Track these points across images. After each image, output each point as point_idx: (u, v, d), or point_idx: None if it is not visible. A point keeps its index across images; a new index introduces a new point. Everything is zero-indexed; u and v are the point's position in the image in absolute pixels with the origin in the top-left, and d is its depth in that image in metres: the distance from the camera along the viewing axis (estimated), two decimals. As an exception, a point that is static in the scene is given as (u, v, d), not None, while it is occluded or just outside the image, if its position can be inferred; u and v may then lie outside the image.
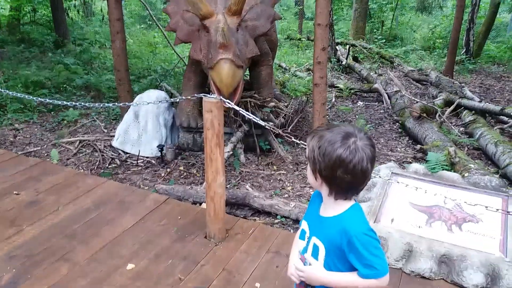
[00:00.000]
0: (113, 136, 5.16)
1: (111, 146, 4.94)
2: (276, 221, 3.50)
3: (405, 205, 2.49)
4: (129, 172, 4.44)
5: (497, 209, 2.25)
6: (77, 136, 5.30)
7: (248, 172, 4.48)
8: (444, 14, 13.58)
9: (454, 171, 3.99)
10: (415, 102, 6.05)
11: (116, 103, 3.55)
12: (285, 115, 5.15)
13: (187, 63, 5.04)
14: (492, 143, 4.80)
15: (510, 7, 11.11)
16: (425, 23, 15.81)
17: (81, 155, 4.79)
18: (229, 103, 2.60)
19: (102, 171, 4.37)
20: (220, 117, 2.37)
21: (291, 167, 4.59)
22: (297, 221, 3.44)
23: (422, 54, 11.92)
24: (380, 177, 2.52)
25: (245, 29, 4.13)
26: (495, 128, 5.39)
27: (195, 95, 3.13)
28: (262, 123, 2.77)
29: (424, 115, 5.32)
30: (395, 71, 9.90)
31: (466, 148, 5.11)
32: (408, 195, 2.55)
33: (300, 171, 4.48)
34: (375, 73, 8.67)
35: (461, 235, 2.24)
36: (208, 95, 2.50)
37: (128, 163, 4.62)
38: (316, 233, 1.34)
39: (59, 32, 10.33)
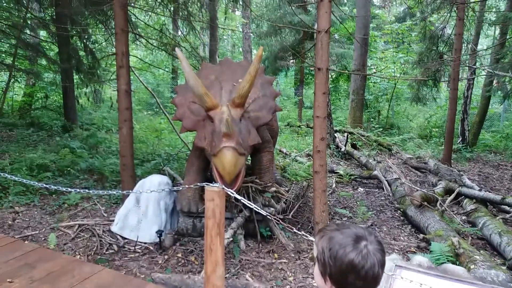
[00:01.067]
0: (113, 220, 5.13)
1: (110, 231, 4.88)
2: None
3: (411, 300, 2.41)
4: (126, 258, 4.33)
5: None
6: (77, 220, 5.25)
7: (248, 260, 4.36)
8: (438, 104, 14.18)
9: (459, 263, 3.90)
10: (415, 190, 6.09)
11: (119, 190, 3.58)
12: (286, 200, 5.16)
13: (191, 149, 5.18)
14: (496, 233, 4.75)
15: (501, 99, 11.64)
16: (421, 112, 16.48)
17: (79, 239, 4.71)
18: (231, 192, 2.64)
19: (99, 257, 4.27)
20: (222, 206, 2.40)
21: (293, 255, 4.48)
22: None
23: (420, 142, 12.25)
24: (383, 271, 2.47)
25: (248, 119, 4.34)
26: (497, 217, 5.35)
27: (197, 184, 3.19)
28: (263, 212, 2.79)
29: (425, 203, 5.32)
30: (393, 158, 10.09)
31: (470, 238, 5.03)
32: (413, 288, 2.47)
33: (302, 260, 4.37)
34: (374, 160, 8.83)
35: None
36: (211, 184, 2.54)
37: (126, 249, 4.52)
38: None
39: (68, 117, 10.73)
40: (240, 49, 17.28)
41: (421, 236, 4.78)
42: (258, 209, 2.83)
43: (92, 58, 8.74)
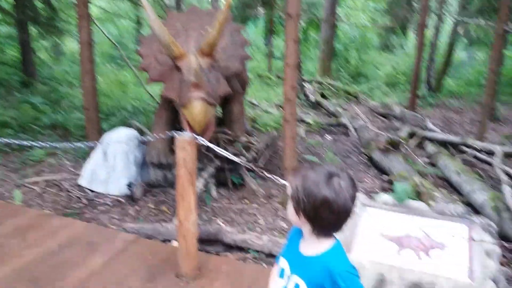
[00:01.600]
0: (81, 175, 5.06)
1: (78, 185, 4.82)
2: (249, 255, 3.46)
3: (376, 236, 2.53)
4: (96, 211, 4.32)
5: (463, 237, 2.34)
6: (42, 176, 5.15)
7: (220, 207, 4.45)
8: (405, 52, 14.29)
9: (421, 200, 4.11)
10: (380, 135, 6.26)
11: (86, 142, 3.50)
12: (256, 149, 5.21)
13: (159, 101, 5.08)
14: (455, 173, 5.00)
15: (465, 46, 11.87)
16: (388, 61, 16.62)
17: (46, 195, 4.64)
18: (202, 140, 2.63)
19: (68, 211, 4.24)
20: (193, 155, 2.39)
21: (263, 200, 4.59)
22: (270, 255, 3.41)
23: (386, 90, 12.44)
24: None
25: (218, 69, 4.24)
26: (456, 158, 5.61)
27: (168, 133, 3.15)
28: (235, 158, 2.80)
29: (390, 147, 5.49)
30: (360, 106, 10.25)
31: (432, 178, 5.28)
32: (378, 226, 2.60)
33: (272, 204, 4.50)
34: (342, 108, 8.95)
35: (430, 263, 2.29)
36: (181, 133, 2.51)
37: (96, 202, 4.50)
38: (297, 271, 1.32)
39: (27, 72, 10.20)
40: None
41: (386, 177, 4.97)
42: (229, 156, 2.84)
43: (50, 9, 8.18)
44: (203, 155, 4.78)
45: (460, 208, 2.85)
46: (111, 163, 4.70)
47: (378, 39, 13.14)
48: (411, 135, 6.68)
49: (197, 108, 3.64)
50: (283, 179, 4.39)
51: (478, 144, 5.33)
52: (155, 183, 4.84)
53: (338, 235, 1.24)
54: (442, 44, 13.32)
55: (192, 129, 3.82)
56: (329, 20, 12.33)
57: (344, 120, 7.65)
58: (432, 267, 2.23)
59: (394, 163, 5.17)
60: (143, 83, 7.54)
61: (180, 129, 5.45)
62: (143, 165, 5.04)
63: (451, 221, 2.61)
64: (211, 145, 2.70)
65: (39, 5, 9.27)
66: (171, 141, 5.00)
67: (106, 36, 8.96)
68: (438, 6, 10.10)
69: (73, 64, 14.13)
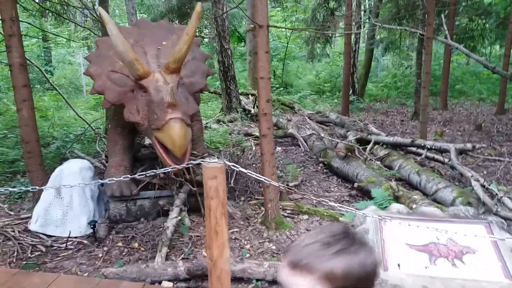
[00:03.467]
0: (26, 218, 4.40)
1: (28, 230, 4.16)
2: (250, 286, 3.23)
3: (403, 247, 2.50)
4: (58, 258, 3.75)
5: (489, 237, 2.39)
6: (-24, 225, 4.37)
7: (197, 236, 4.14)
8: (325, 61, 14.96)
9: (400, 203, 4.22)
10: (334, 142, 6.38)
11: (25, 183, 3.01)
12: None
13: (110, 126, 4.61)
14: (414, 173, 5.24)
15: (382, 52, 12.78)
16: (309, 70, 17.30)
17: (-11, 247, 3.93)
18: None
19: (24, 262, 3.62)
20: (224, 183, 2.15)
21: (242, 222, 4.38)
22: (273, 283, 3.22)
23: (314, 98, 12.88)
24: (370, 216, 2.52)
25: (183, 86, 3.97)
26: (409, 158, 5.90)
27: (195, 161, 2.83)
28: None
29: (349, 154, 5.61)
30: (296, 115, 10.46)
31: (392, 180, 5.48)
32: (401, 236, 2.56)
33: (253, 225, 4.30)
34: (287, 119, 9.03)
35: (466, 268, 2.30)
36: (209, 160, 2.24)
37: (55, 247, 3.91)
38: None
39: None
40: (124, 9, 15.82)
41: (355, 184, 5.04)
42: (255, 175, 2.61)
43: None
44: (171, 180, 4.44)
45: (471, 210, 2.94)
46: (66, 200, 4.14)
47: (301, 48, 13.54)
48: (359, 140, 6.90)
49: (176, 131, 3.32)
50: (264, 198, 4.24)
51: (428, 143, 5.65)
52: (117, 218, 4.37)
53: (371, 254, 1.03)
54: (361, 50, 14.20)
55: (168, 155, 3.50)
56: (253, 30, 12.45)
57: (291, 130, 7.70)
58: (470, 272, 2.24)
59: (358, 169, 5.28)
60: (71, 107, 6.84)
61: (138, 155, 5.07)
62: (99, 199, 4.54)
63: (468, 223, 2.67)
64: (243, 170, 2.48)
65: None
66: (131, 169, 4.59)
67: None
68: (357, 14, 10.72)
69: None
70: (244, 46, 16.39)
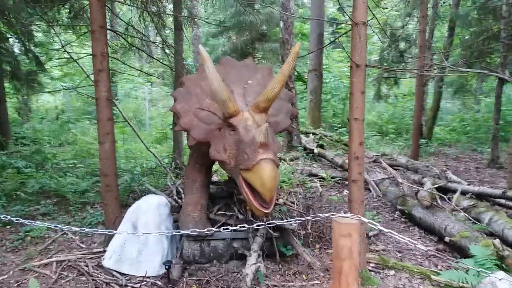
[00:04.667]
0: (99, 252, 4.32)
1: (101, 266, 4.07)
2: None
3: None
4: (133, 300, 3.60)
5: None
6: (51, 257, 4.35)
7: (275, 286, 3.83)
8: (388, 102, 14.55)
9: (506, 266, 3.71)
10: (414, 189, 5.92)
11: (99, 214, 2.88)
12: (299, 212, 4.71)
13: (188, 162, 4.52)
14: (510, 228, 4.68)
15: (451, 94, 12.24)
16: (367, 110, 16.92)
17: (64, 281, 3.85)
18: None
19: (99, 302, 3.49)
20: (358, 243, 1.89)
21: (322, 274, 4.03)
22: None
23: (378, 139, 12.43)
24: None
25: (269, 125, 3.81)
26: (501, 212, 5.33)
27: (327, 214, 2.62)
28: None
29: (435, 203, 5.15)
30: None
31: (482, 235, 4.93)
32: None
33: (335, 279, 3.94)
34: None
35: None
36: (341, 214, 2.01)
37: (129, 287, 3.77)
38: None
39: (1, 132, 9.29)
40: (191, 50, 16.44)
41: (447, 239, 4.55)
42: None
43: (35, 63, 7.55)
44: (249, 222, 4.22)
45: None
46: (142, 238, 4.02)
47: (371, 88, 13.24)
48: (439, 188, 6.40)
49: (268, 172, 3.12)
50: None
51: (525, 196, 5.09)
52: (190, 258, 4.18)
53: None
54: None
55: (255, 197, 3.30)
56: (317, 70, 12.38)
57: (361, 173, 7.31)
58: None
59: (446, 221, 4.80)
60: (143, 142, 6.92)
61: (219, 192, 4.93)
62: (172, 238, 4.39)
63: None
64: (383, 229, 2.21)
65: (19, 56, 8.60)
66: (208, 208, 4.44)
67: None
68: (428, 55, 10.36)
69: (45, 122, 13.30)
70: (302, 85, 16.39)
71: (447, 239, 4.51)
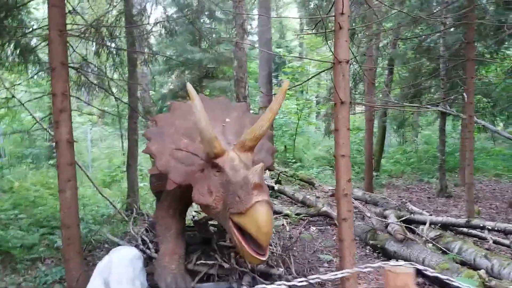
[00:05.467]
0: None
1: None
2: None
3: None
4: None
5: None
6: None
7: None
8: (332, 136, 14.97)
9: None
10: (382, 223, 5.98)
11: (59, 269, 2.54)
12: (277, 254, 4.51)
13: (161, 207, 4.19)
14: (482, 257, 4.80)
15: (395, 129, 12.90)
16: (312, 145, 17.31)
17: None
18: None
19: None
20: None
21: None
22: None
23: (329, 173, 12.66)
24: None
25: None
26: (468, 240, 5.49)
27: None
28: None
29: (406, 235, 5.20)
30: (316, 191, 10.12)
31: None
32: None
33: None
34: (315, 196, 8.67)
35: None
36: (393, 263, 1.84)
37: None
38: None
39: None
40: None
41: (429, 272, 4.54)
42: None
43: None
44: (232, 270, 3.94)
45: None
46: (115, 297, 3.58)
47: (309, 125, 13.61)
48: (398, 220, 6.50)
49: (264, 216, 2.92)
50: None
51: (489, 224, 5.31)
52: (168, 315, 3.79)
53: None
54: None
55: (247, 243, 3.07)
56: (265, 108, 12.53)
57: (326, 208, 7.31)
58: None
59: (423, 253, 4.83)
60: (99, 190, 6.41)
61: (194, 238, 4.58)
62: (145, 292, 3.97)
63: None
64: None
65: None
66: (185, 259, 4.09)
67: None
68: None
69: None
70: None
71: (428, 272, 4.50)
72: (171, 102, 4.41)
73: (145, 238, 4.99)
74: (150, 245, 4.75)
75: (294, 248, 5.11)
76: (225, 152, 3.33)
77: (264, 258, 3.03)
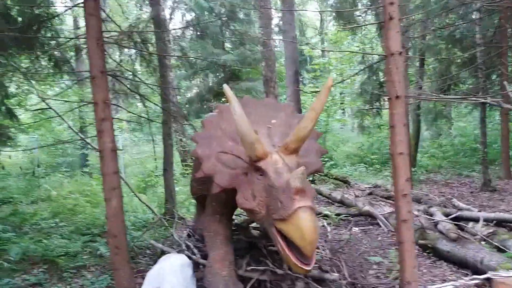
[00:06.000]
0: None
1: None
2: None
3: None
4: None
5: None
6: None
7: None
8: (365, 132, 14.66)
9: None
10: (431, 222, 5.72)
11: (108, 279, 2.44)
12: (329, 258, 4.35)
13: (207, 212, 4.10)
14: (544, 255, 4.51)
15: (430, 122, 12.51)
16: (341, 142, 17.00)
17: None
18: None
19: None
20: None
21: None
22: None
23: (362, 170, 12.38)
24: None
25: (303, 168, 3.51)
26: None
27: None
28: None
29: (462, 235, 4.94)
30: (353, 190, 9.87)
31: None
32: None
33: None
34: (354, 195, 8.46)
35: None
36: (503, 274, 1.68)
37: None
38: None
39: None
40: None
41: (490, 273, 4.29)
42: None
43: (10, 116, 6.98)
44: (284, 277, 3.81)
45: None
46: (168, 307, 3.50)
47: (340, 122, 13.35)
48: (446, 216, 6.21)
49: (308, 223, 2.76)
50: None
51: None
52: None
53: None
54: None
55: (291, 251, 2.91)
56: (295, 107, 12.36)
57: (368, 208, 7.09)
58: None
59: (480, 253, 4.57)
60: (138, 197, 6.39)
61: (243, 244, 4.47)
62: (195, 300, 3.89)
63: None
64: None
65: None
66: (234, 264, 3.98)
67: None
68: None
69: (9, 177, 12.35)
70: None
71: (490, 273, 4.25)
72: (218, 105, 4.33)
73: (189, 244, 4.92)
74: (195, 251, 4.68)
75: (342, 251, 4.94)
76: (268, 155, 3.20)
77: (309, 268, 2.87)
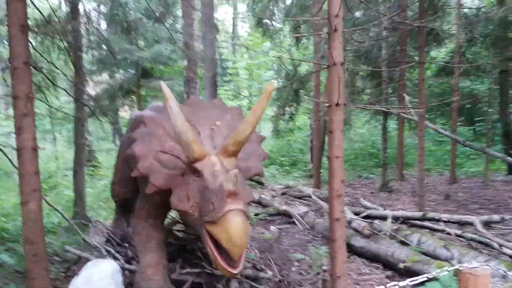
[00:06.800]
0: None
1: None
2: None
3: None
4: None
5: None
6: None
7: None
8: (279, 136, 15.20)
9: None
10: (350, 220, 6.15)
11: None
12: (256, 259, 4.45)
13: (138, 215, 3.92)
14: (441, 247, 5.15)
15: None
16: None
17: None
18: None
19: None
20: None
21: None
22: None
23: (273, 172, 12.83)
24: None
25: (239, 171, 3.53)
26: (424, 233, 5.86)
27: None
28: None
29: (373, 231, 5.42)
30: (267, 190, 10.20)
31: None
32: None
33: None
34: (271, 195, 8.71)
35: None
36: (467, 265, 1.83)
37: None
38: None
39: None
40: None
41: (401, 265, 4.76)
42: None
43: None
44: (218, 277, 3.81)
45: None
46: (98, 318, 3.28)
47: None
48: (356, 215, 6.76)
49: (236, 226, 2.73)
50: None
51: (444, 216, 5.71)
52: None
53: None
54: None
55: (220, 254, 2.90)
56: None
57: (285, 207, 7.38)
58: None
59: (391, 248, 5.06)
60: (47, 201, 5.81)
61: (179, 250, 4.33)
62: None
63: None
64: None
65: None
66: (169, 269, 3.85)
67: None
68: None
69: None
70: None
71: (401, 265, 4.74)
72: (158, 104, 4.15)
73: (109, 249, 4.65)
74: (118, 256, 4.44)
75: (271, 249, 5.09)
76: (206, 156, 3.17)
77: (235, 271, 2.86)
